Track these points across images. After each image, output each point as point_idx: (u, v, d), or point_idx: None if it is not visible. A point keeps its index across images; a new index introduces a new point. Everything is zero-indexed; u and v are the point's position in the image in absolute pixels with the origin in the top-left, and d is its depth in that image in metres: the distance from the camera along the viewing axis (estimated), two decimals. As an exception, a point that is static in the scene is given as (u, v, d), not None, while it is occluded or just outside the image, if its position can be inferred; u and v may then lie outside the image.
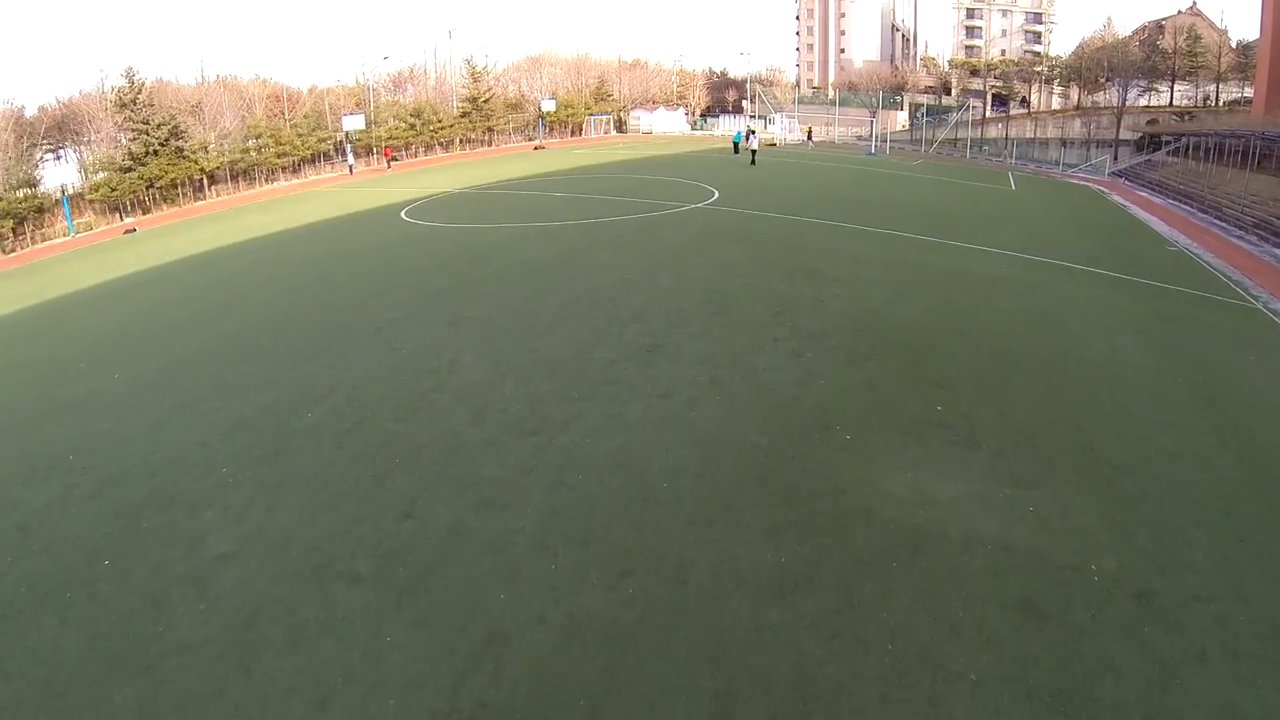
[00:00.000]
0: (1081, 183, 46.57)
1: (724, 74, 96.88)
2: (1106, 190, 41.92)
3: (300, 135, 45.43)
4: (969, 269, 15.01)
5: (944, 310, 11.78)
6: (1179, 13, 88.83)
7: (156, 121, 39.19)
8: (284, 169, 44.56)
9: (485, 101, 55.26)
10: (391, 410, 8.54)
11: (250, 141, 43.16)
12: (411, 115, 51.00)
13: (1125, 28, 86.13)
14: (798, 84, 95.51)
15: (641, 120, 68.72)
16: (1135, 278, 15.81)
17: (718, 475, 6.85)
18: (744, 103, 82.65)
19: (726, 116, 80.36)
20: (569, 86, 68.91)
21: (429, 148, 52.04)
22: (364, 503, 6.69)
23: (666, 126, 68.98)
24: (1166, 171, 50.50)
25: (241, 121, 44.99)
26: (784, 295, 12.26)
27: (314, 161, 46.37)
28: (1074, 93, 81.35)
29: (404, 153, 50.42)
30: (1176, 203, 36.08)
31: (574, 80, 69.93)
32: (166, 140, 39.25)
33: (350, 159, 44.63)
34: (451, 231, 20.58)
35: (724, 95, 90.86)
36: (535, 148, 52.34)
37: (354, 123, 46.70)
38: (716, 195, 24.60)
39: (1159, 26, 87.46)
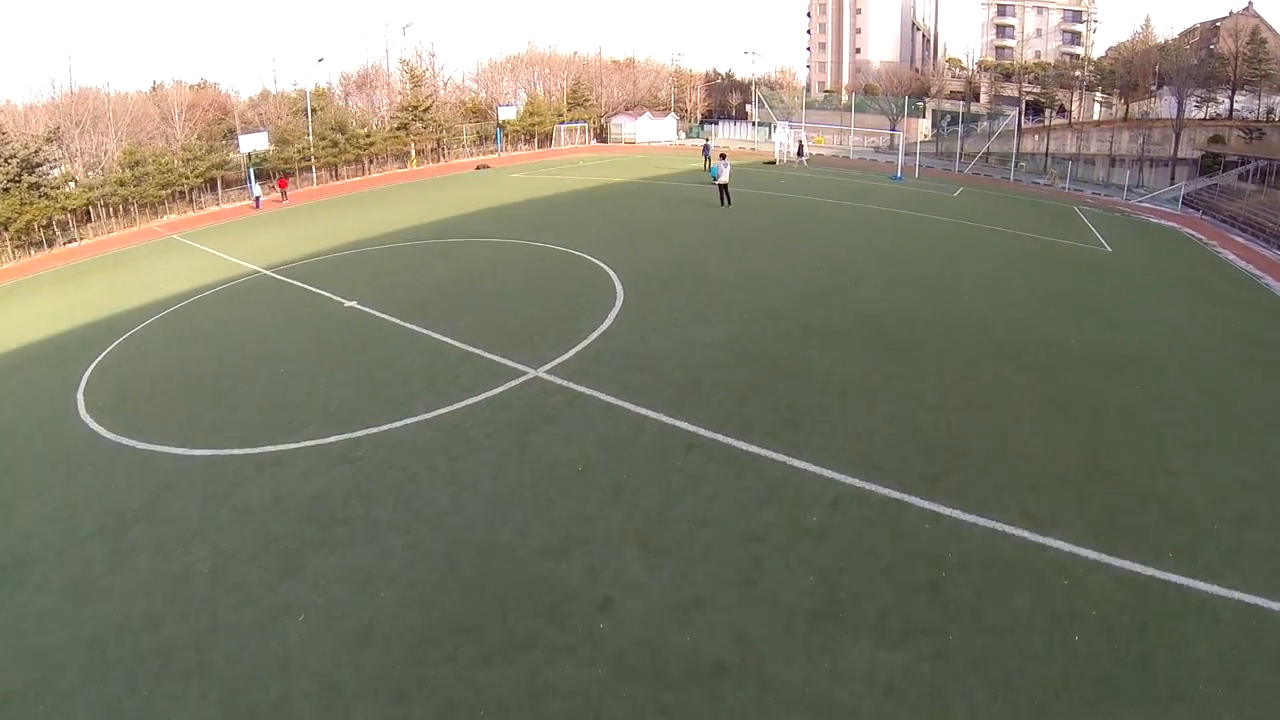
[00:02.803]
0: (1164, 221, 34.58)
1: (728, 75, 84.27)
2: (1203, 238, 30.07)
3: (189, 160, 34.06)
4: None
5: None
6: (1231, 14, 75.74)
7: (6, 154, 28.30)
8: (178, 199, 33.44)
9: (425, 110, 43.59)
10: None
11: (126, 171, 31.74)
12: (333, 129, 39.45)
13: (1159, 31, 72.50)
14: (808, 87, 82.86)
15: (624, 128, 56.76)
16: None
17: None
18: (747, 107, 70.41)
19: (727, 123, 68.09)
20: (552, 88, 57.15)
21: (364, 165, 40.66)
22: None
23: (652, 135, 57.01)
24: (1250, 203, 38.63)
25: (157, 139, 33.99)
26: None
27: (216, 188, 35.05)
28: (1117, 101, 68.20)
29: (332, 174, 39.18)
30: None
31: (556, 82, 58.12)
32: (18, 176, 28.37)
33: (255, 188, 33.44)
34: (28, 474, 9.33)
35: (726, 99, 78.41)
36: (478, 167, 40.59)
37: (254, 143, 34.94)
38: (610, 318, 12.82)
39: (1214, 28, 74.49)
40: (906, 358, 10.96)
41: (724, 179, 24.28)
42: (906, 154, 41.49)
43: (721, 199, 24.49)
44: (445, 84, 52.58)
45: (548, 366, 10.68)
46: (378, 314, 13.69)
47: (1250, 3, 76.06)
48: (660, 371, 10.40)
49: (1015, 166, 48.77)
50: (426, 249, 19.36)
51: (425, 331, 12.52)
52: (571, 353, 11.18)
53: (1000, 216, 27.33)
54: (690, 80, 74.82)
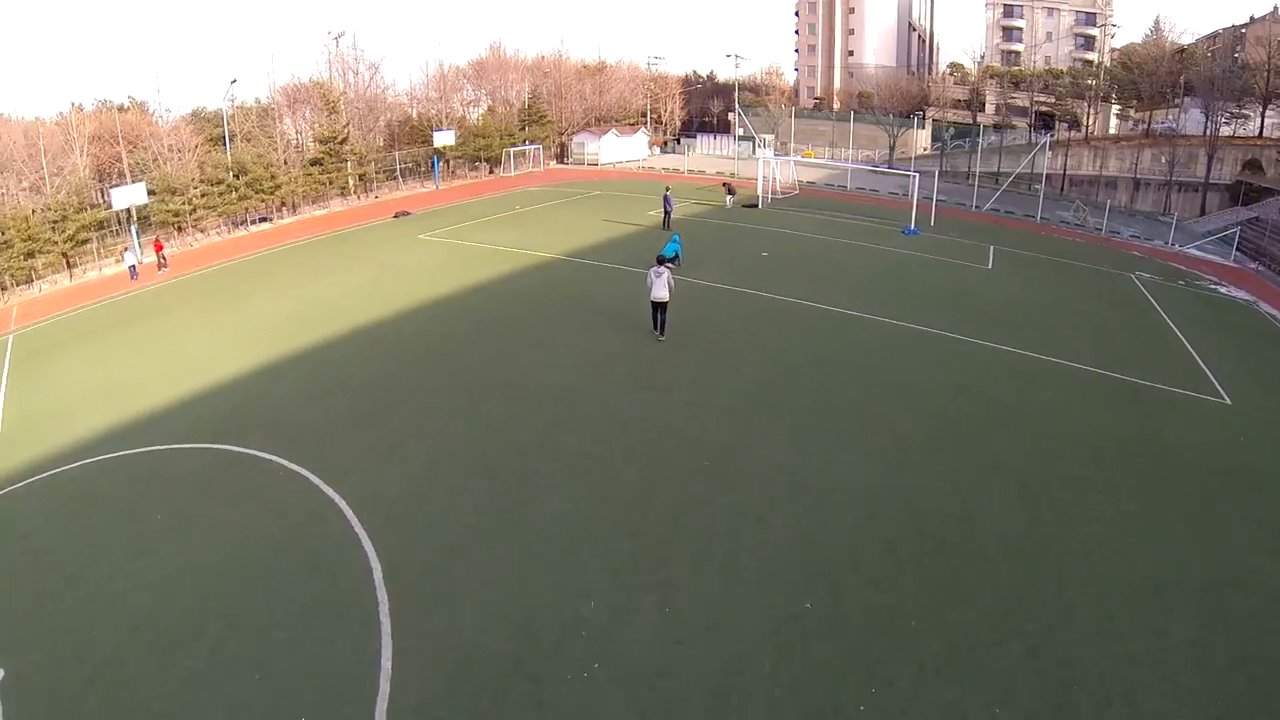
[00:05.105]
0: (1231, 292, 26.85)
1: (709, 77, 75.89)
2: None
3: (55, 220, 25.58)
4: None
5: None
6: (1253, 19, 68.26)
7: None
8: (56, 257, 25.62)
9: (342, 143, 35.34)
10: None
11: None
12: (232, 172, 31.06)
13: (1172, 35, 64.63)
14: (796, 94, 74.67)
15: (586, 147, 48.57)
16: None
17: None
18: (730, 116, 62.23)
19: (706, 137, 59.92)
20: (512, 98, 48.94)
21: (280, 207, 32.59)
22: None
23: (618, 155, 48.80)
24: (1309, 249, 31.48)
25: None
26: None
27: (91, 243, 27.05)
28: (1135, 114, 60.41)
29: (241, 223, 31.14)
30: None
31: (515, 90, 49.93)
32: None
33: (133, 254, 25.47)
34: None
35: (708, 105, 70.13)
36: (396, 214, 32.10)
37: (130, 197, 26.52)
38: None
39: (1239, 35, 67.08)
40: None
41: (662, 294, 15.95)
42: (916, 177, 32.85)
43: (656, 323, 16.35)
44: (386, 91, 43.95)
45: None
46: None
47: (1276, 7, 68.78)
48: None
49: (1029, 188, 41.29)
50: (176, 485, 10.61)
51: None
52: None
53: (1058, 325, 19.01)
54: (667, 88, 66.46)
